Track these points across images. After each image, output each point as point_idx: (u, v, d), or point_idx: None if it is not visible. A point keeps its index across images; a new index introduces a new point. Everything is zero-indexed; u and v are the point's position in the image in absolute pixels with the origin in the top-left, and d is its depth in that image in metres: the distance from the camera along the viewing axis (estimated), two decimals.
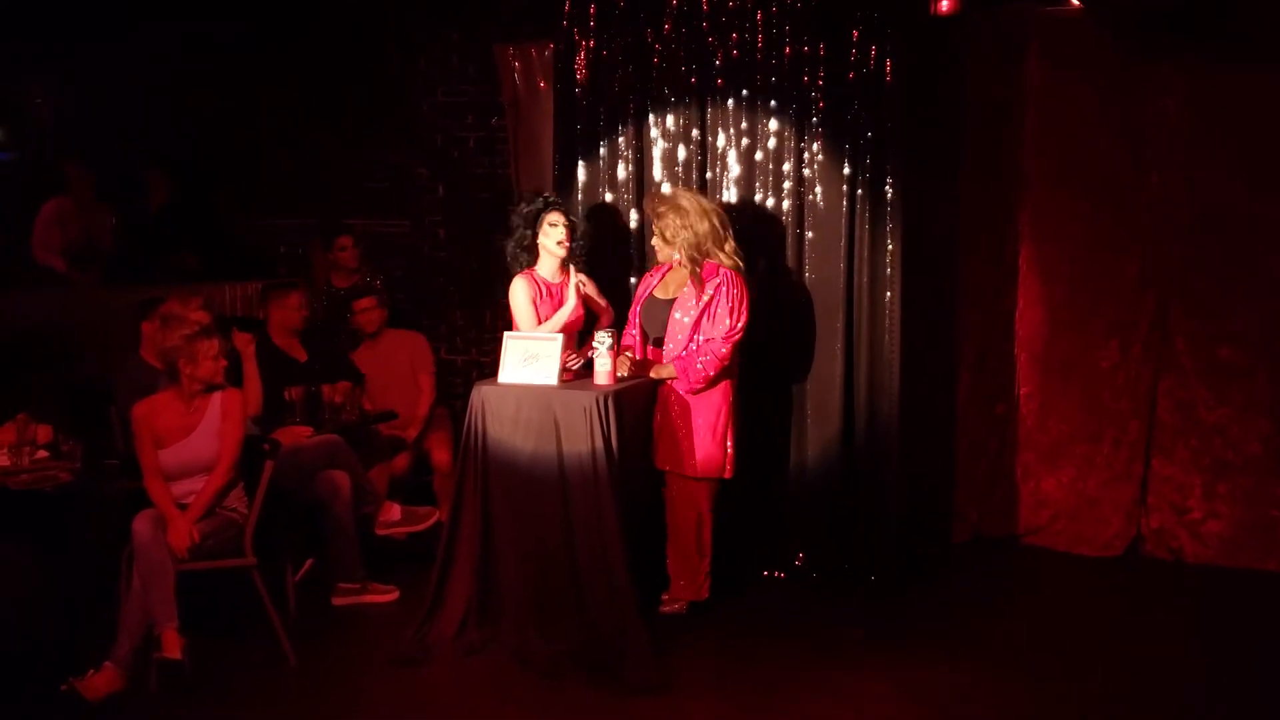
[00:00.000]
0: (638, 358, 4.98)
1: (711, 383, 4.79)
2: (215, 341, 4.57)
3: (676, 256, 4.87)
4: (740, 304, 4.78)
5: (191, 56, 6.70)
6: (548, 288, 4.99)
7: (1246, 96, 5.36)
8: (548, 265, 4.99)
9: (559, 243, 4.92)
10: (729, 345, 4.76)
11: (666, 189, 5.36)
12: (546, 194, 5.06)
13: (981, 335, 5.90)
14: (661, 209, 4.88)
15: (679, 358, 4.80)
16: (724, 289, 4.78)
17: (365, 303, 6.08)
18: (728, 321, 4.76)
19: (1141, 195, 5.57)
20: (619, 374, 4.73)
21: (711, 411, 4.81)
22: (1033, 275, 5.83)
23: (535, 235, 4.95)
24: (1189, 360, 5.61)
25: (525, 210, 4.98)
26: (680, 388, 4.82)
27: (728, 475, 4.88)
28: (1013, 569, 5.67)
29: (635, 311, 5.06)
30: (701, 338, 4.80)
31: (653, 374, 4.87)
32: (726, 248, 4.84)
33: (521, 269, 5.00)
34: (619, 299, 5.27)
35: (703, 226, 4.81)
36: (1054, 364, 5.85)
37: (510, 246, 5.02)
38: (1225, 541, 5.59)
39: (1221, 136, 5.42)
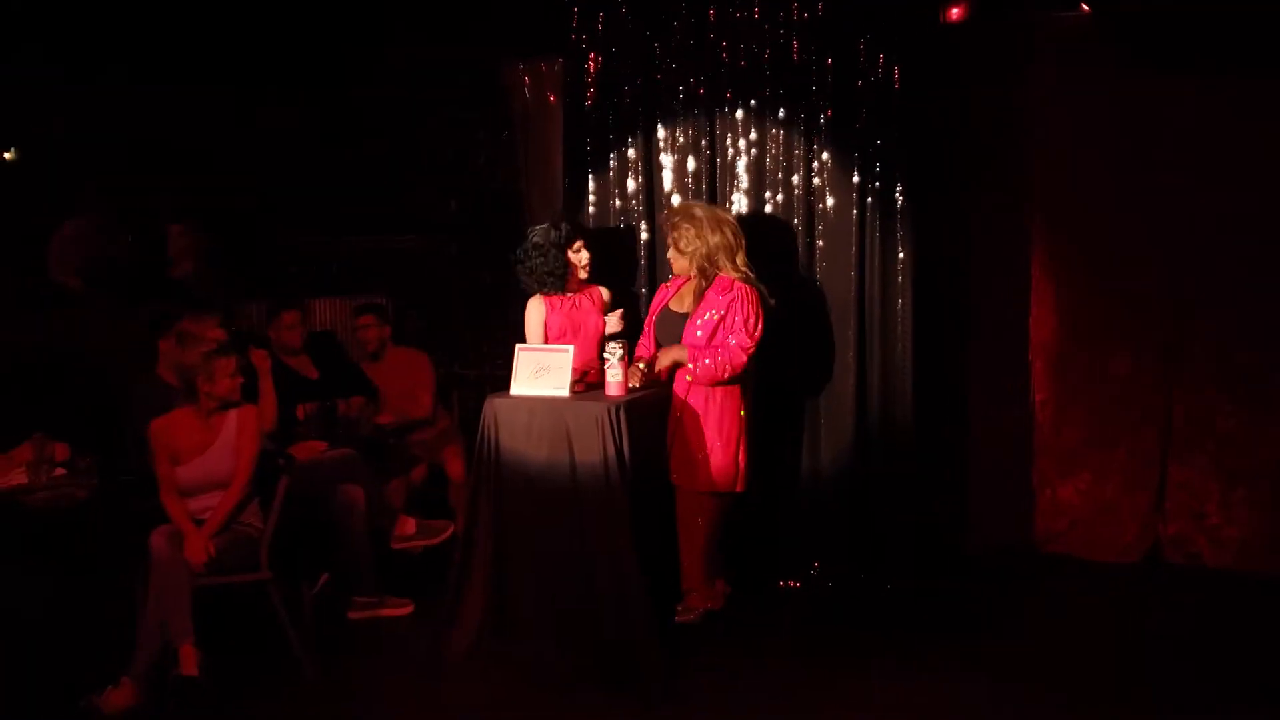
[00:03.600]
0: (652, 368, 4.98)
1: (718, 383, 4.77)
2: (232, 359, 4.62)
3: (690, 269, 4.88)
4: (756, 320, 4.78)
5: (199, 79, 6.74)
6: (562, 301, 5.09)
7: (1260, 102, 5.33)
8: (570, 284, 5.11)
9: (584, 266, 5.06)
10: (746, 356, 4.76)
11: (676, 200, 5.38)
12: (564, 222, 5.10)
13: (995, 342, 5.87)
14: (675, 219, 4.90)
15: (695, 347, 4.79)
16: (738, 304, 4.78)
17: (365, 320, 6.08)
18: (744, 332, 4.76)
19: (1155, 201, 5.54)
20: (631, 384, 4.73)
21: (725, 425, 4.81)
22: (1046, 281, 5.82)
23: (565, 263, 5.03)
24: (1204, 365, 5.58)
25: (554, 237, 5.02)
26: (688, 373, 4.79)
27: (739, 489, 4.87)
28: (1031, 576, 5.63)
29: (650, 323, 5.07)
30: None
31: (661, 355, 4.84)
32: (738, 259, 4.85)
33: (549, 293, 5.06)
34: (630, 310, 5.27)
35: (715, 238, 4.83)
36: (1068, 371, 5.83)
37: (539, 273, 5.03)
38: (1244, 547, 5.55)
39: (1236, 142, 5.39)
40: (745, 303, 4.78)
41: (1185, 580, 5.50)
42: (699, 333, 4.81)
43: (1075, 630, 4.94)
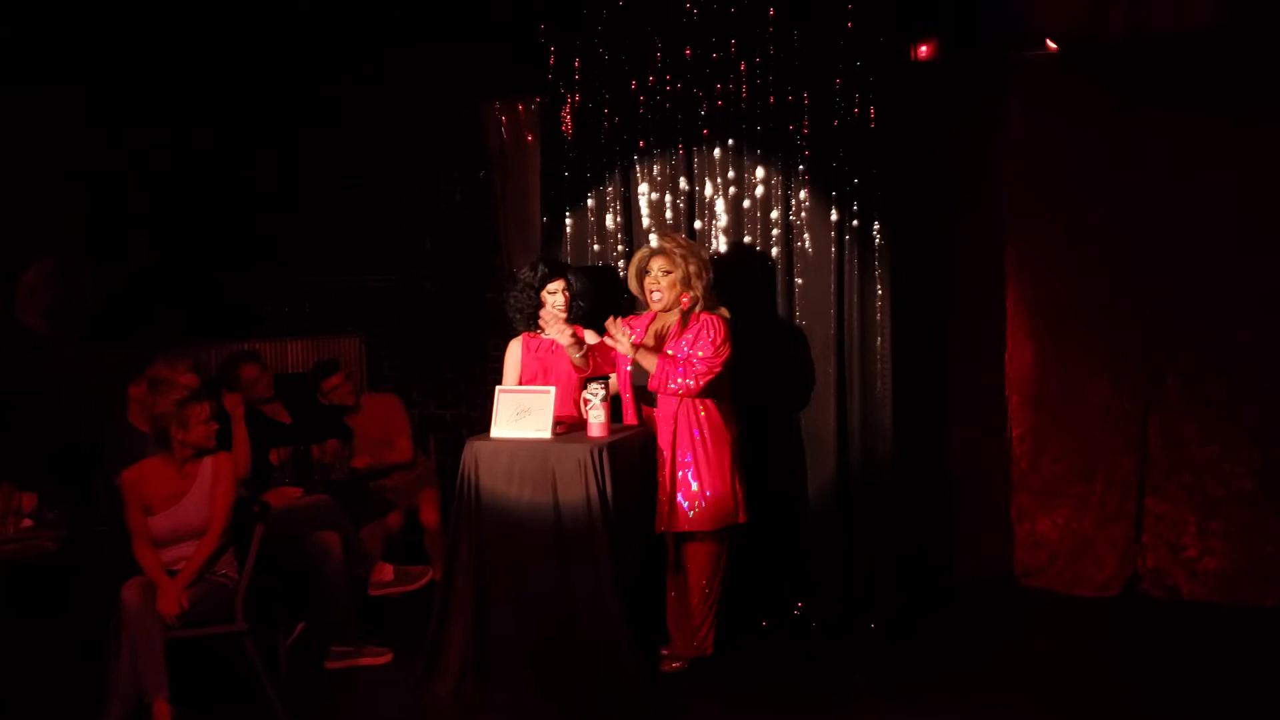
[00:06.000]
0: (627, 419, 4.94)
1: (693, 394, 4.71)
2: (205, 406, 4.54)
3: (661, 300, 4.83)
4: (722, 344, 4.72)
5: (175, 117, 6.67)
6: (539, 344, 5.10)
7: (1230, 138, 5.39)
8: (549, 325, 5.06)
9: (558, 308, 5.01)
10: (713, 372, 4.68)
11: (654, 240, 5.36)
12: (543, 263, 5.10)
13: (972, 377, 5.89)
14: (679, 252, 4.81)
15: (663, 356, 4.72)
16: (705, 332, 4.74)
17: (334, 380, 5.93)
18: (710, 349, 4.70)
19: (1127, 237, 5.59)
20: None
21: (714, 457, 4.76)
22: (1021, 316, 5.85)
23: (538, 303, 5.03)
24: (1178, 396, 5.61)
25: (525, 279, 5.06)
26: (652, 384, 4.74)
27: (741, 520, 4.84)
28: (1012, 612, 5.63)
29: (626, 373, 4.96)
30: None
31: (617, 344, 4.73)
32: (710, 289, 4.86)
33: (523, 331, 5.12)
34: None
35: (710, 274, 4.84)
36: (1044, 404, 5.85)
37: (511, 312, 5.12)
38: (1222, 578, 5.57)
39: (1206, 177, 5.44)
40: (712, 329, 4.74)
41: (1164, 614, 5.50)
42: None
43: (1056, 666, 4.92)
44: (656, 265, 4.85)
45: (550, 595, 4.47)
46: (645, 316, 4.99)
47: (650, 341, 4.90)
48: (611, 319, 4.77)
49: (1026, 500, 5.91)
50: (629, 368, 4.93)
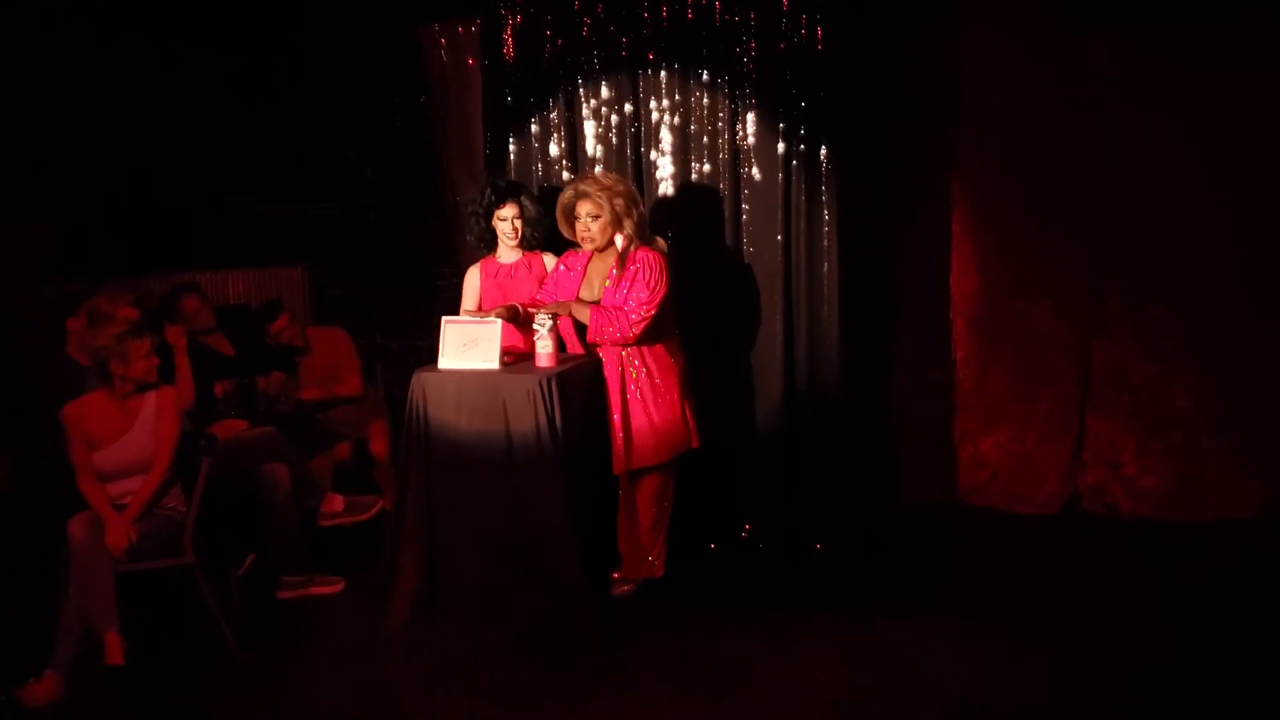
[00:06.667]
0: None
1: (631, 343, 4.71)
2: (146, 340, 4.46)
3: (594, 243, 4.77)
4: (658, 284, 4.68)
5: (111, 40, 6.44)
6: (498, 269, 5.08)
7: (1182, 66, 5.38)
8: (504, 250, 5.07)
9: (508, 235, 5.01)
10: (648, 318, 4.66)
11: (599, 167, 5.31)
12: (495, 186, 5.04)
13: (918, 302, 5.93)
14: (604, 193, 4.73)
15: (595, 309, 4.69)
16: (641, 274, 4.69)
17: (280, 323, 5.83)
18: (646, 293, 4.68)
19: (1073, 160, 5.60)
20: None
21: (668, 391, 4.78)
22: (967, 241, 5.88)
23: (491, 228, 5.01)
24: (1121, 319, 5.69)
25: (478, 204, 5.02)
26: (590, 337, 4.73)
27: (695, 445, 4.89)
28: (955, 530, 5.74)
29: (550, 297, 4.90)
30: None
31: (563, 304, 4.77)
32: (642, 223, 4.81)
33: (483, 257, 5.11)
34: None
35: (640, 208, 4.79)
36: (989, 327, 5.91)
37: (470, 239, 5.11)
38: (1159, 495, 5.71)
39: (1153, 101, 5.46)
40: (648, 270, 4.69)
41: (1103, 529, 5.64)
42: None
43: (999, 582, 5.04)
44: (584, 210, 4.75)
45: (501, 524, 4.49)
46: (583, 254, 4.92)
47: (585, 293, 4.82)
48: (535, 312, 4.69)
49: (970, 421, 6.00)
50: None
